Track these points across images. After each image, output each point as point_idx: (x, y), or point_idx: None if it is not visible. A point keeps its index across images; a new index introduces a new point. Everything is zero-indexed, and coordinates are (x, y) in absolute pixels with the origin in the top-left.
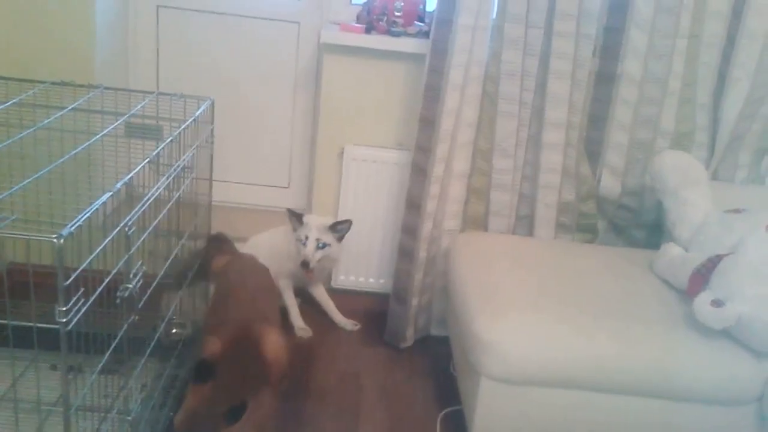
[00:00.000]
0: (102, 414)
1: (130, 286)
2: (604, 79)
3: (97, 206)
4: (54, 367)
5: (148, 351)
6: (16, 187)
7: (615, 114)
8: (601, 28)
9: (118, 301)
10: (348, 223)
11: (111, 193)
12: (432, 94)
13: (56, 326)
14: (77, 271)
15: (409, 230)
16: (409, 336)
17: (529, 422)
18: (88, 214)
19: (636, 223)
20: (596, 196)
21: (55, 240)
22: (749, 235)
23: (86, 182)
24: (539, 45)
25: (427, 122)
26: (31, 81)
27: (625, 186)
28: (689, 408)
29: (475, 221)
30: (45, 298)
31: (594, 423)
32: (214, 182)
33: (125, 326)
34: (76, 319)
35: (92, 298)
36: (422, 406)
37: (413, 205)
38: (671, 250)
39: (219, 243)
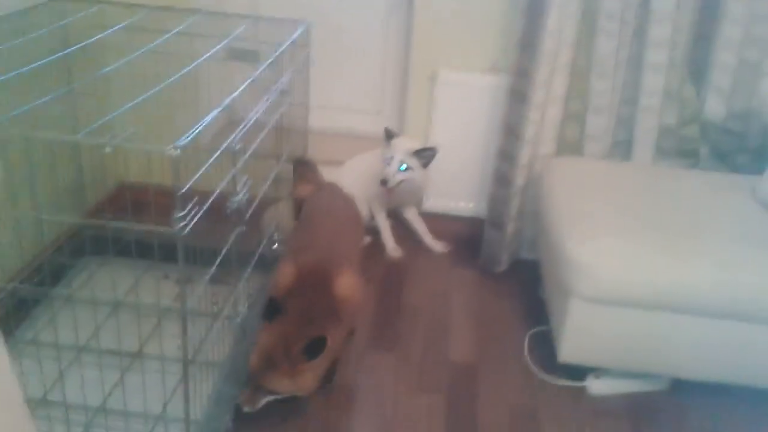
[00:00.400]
0: (212, 317)
1: (238, 198)
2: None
3: (208, 121)
4: (166, 276)
5: (252, 264)
6: (128, 105)
7: (722, 32)
8: None
9: (228, 212)
10: (432, 150)
11: (221, 108)
12: (533, 14)
13: (173, 232)
14: (191, 180)
15: (505, 156)
16: (504, 261)
17: (617, 342)
18: (200, 128)
19: (740, 149)
20: (699, 120)
21: (172, 151)
22: None
23: (192, 104)
24: None
25: (528, 44)
26: (137, 5)
27: (731, 109)
28: None
29: (571, 146)
30: (155, 216)
31: (683, 345)
32: (309, 108)
33: (233, 236)
34: (190, 226)
35: (205, 207)
36: (510, 326)
37: (511, 131)
38: None
39: (304, 169)
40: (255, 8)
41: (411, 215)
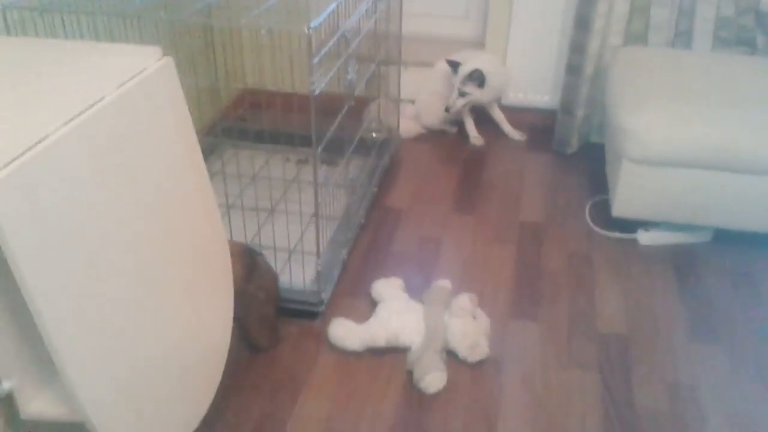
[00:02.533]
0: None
1: (350, 77)
2: None
3: (333, 7)
4: (288, 159)
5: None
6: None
7: None
8: None
9: (347, 81)
10: (478, 72)
11: (335, 4)
12: None
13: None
14: (321, 53)
15: (576, 48)
16: (574, 143)
17: (663, 198)
18: (326, 14)
19: None
20: (755, 10)
21: (306, 30)
22: None
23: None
24: None
25: None
26: None
27: None
28: None
29: (637, 37)
30: (280, 113)
31: (724, 199)
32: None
33: (344, 110)
34: (320, 88)
35: (330, 75)
36: (575, 195)
37: (582, 24)
38: None
39: None
40: None
41: (492, 110)
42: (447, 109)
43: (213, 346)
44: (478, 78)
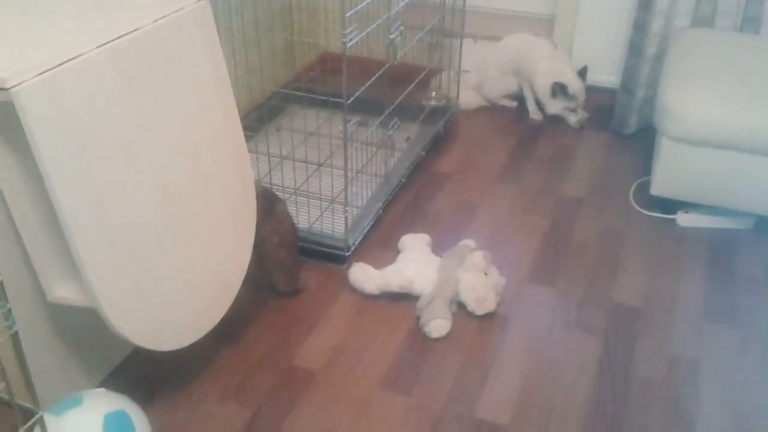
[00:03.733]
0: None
1: (393, 36)
2: None
3: None
4: (348, 120)
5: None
6: None
7: None
8: None
9: (389, 40)
10: (558, 84)
11: None
12: None
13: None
14: (356, 8)
15: (639, 27)
16: (632, 124)
17: (702, 179)
18: None
19: None
20: None
21: None
22: None
23: None
24: None
25: None
26: None
27: None
28: None
29: (704, 20)
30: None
31: (754, 184)
32: None
33: (385, 68)
34: (353, 41)
35: (368, 30)
36: (624, 174)
37: (645, 4)
38: None
39: None
40: None
41: None
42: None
43: (228, 268)
44: (561, 90)
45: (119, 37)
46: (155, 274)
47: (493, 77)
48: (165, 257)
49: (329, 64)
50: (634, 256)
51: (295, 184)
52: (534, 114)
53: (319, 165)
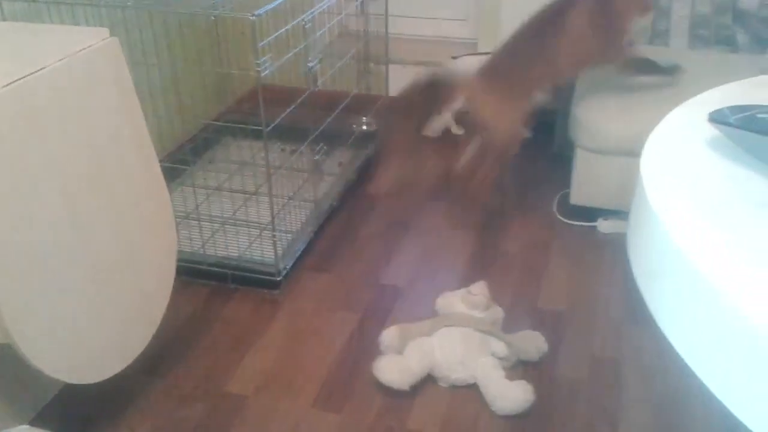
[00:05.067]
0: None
1: (311, 64)
2: None
3: (280, 1)
4: (283, 149)
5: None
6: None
7: None
8: None
9: (308, 70)
10: None
11: None
12: None
13: (255, 73)
14: (269, 38)
15: None
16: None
17: (617, 188)
18: (275, 5)
19: None
20: (733, 8)
21: (251, 17)
22: None
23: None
24: None
25: None
26: None
27: None
28: None
29: None
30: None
31: None
32: (398, 17)
33: (304, 96)
34: (267, 71)
35: (283, 60)
36: (550, 187)
37: None
38: None
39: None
40: None
41: None
42: None
43: (149, 297)
44: None
45: (24, 77)
46: (71, 306)
47: None
48: (80, 289)
49: (263, 95)
50: (558, 263)
51: (227, 214)
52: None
53: (251, 194)
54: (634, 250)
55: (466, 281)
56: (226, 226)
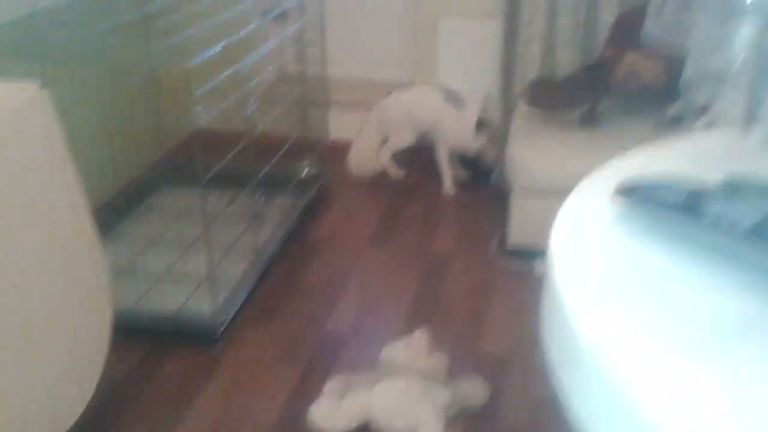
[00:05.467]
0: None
1: (250, 110)
2: None
3: (216, 50)
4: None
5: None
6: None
7: None
8: None
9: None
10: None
11: (225, 43)
12: None
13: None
14: (206, 87)
15: (504, 89)
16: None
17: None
18: (210, 54)
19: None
20: None
21: (186, 67)
22: None
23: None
24: None
25: None
26: None
27: None
28: None
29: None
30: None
31: None
32: (338, 60)
33: (246, 140)
34: (203, 120)
35: (220, 108)
36: (488, 229)
37: (506, 66)
38: None
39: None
40: None
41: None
42: None
43: (81, 367)
44: (486, 124)
45: None
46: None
47: (363, 150)
48: (5, 354)
49: (200, 141)
50: (499, 306)
51: (163, 267)
52: (449, 189)
53: (189, 245)
54: (546, 332)
55: (410, 327)
56: (163, 279)
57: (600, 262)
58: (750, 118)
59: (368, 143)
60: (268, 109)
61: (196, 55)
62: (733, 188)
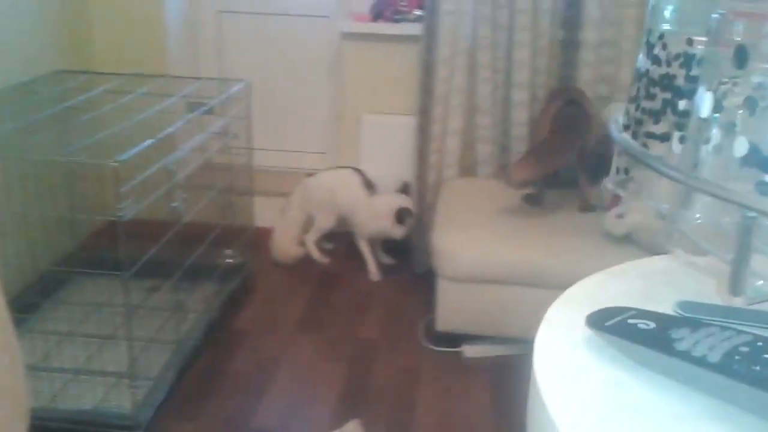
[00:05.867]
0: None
1: (176, 204)
2: (569, 46)
3: (144, 146)
4: (137, 287)
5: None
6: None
7: (580, 75)
8: (562, 2)
9: (171, 208)
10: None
11: (155, 140)
12: (427, 67)
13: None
14: (136, 180)
15: (419, 178)
16: (426, 263)
17: (479, 312)
18: (138, 150)
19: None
20: None
21: (113, 164)
22: None
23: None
24: (506, 20)
25: (426, 90)
26: (116, 74)
27: None
28: None
29: (469, 169)
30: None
31: (529, 312)
32: (263, 150)
33: (170, 233)
34: (130, 214)
35: (145, 203)
36: (415, 314)
37: (421, 158)
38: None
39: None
40: (222, 71)
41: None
42: None
43: None
44: (408, 214)
45: None
46: None
47: (282, 237)
48: None
49: (117, 231)
50: (428, 392)
51: (80, 361)
52: (374, 275)
53: (107, 338)
54: None
55: (339, 418)
56: (80, 375)
57: (580, 385)
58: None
59: (290, 228)
60: (193, 198)
61: (116, 148)
62: (695, 321)
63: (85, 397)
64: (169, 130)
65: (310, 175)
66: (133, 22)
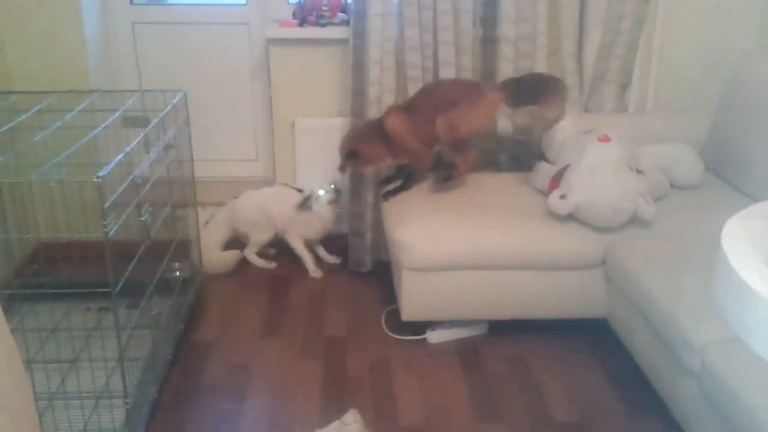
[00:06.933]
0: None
1: (144, 218)
2: (488, 43)
3: (120, 159)
4: (88, 308)
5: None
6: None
7: (500, 69)
8: (480, 3)
9: (140, 221)
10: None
11: (123, 155)
12: (358, 69)
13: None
14: (114, 195)
15: (354, 178)
16: (367, 263)
17: (441, 299)
18: (113, 164)
19: (530, 153)
20: (494, 136)
21: (95, 179)
22: (587, 145)
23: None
24: (431, 22)
25: (358, 92)
26: (46, 92)
27: (516, 125)
28: (553, 274)
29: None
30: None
31: (488, 293)
32: (195, 161)
33: (141, 249)
34: (113, 230)
35: (121, 219)
36: (372, 307)
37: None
38: (541, 167)
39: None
40: (141, 84)
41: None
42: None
43: None
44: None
45: None
46: None
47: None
48: None
49: (50, 254)
50: (403, 380)
51: (49, 388)
52: (314, 273)
53: (75, 360)
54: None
55: (324, 413)
56: (54, 401)
57: None
58: None
59: (213, 238)
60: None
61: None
62: None
63: (64, 425)
64: (133, 144)
65: (234, 197)
66: (49, 37)
